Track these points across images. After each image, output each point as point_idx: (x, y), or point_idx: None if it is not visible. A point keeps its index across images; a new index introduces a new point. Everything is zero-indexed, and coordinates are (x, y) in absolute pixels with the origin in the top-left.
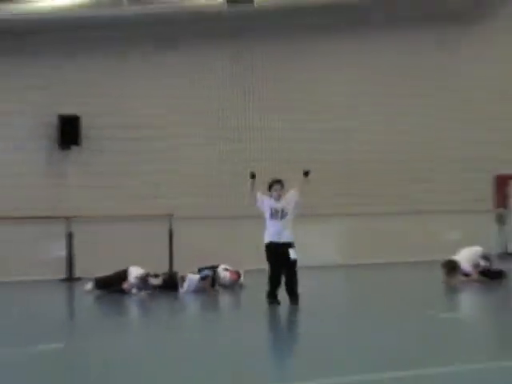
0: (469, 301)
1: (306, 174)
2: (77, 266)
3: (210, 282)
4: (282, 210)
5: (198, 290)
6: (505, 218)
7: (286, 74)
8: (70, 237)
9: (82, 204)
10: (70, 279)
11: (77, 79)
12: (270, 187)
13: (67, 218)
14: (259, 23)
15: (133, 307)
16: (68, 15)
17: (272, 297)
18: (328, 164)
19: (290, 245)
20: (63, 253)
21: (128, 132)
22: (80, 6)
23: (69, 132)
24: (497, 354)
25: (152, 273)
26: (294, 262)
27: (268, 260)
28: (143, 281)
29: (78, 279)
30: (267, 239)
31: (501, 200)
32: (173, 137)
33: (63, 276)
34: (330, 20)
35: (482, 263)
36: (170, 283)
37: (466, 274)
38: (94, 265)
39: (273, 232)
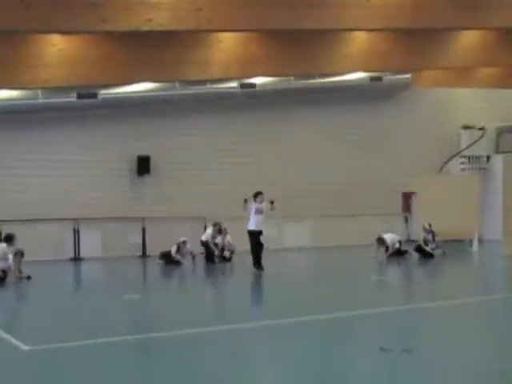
0: (390, 269)
1: (272, 202)
2: (147, 248)
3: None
4: (262, 210)
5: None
6: (408, 219)
7: (277, 131)
8: (143, 230)
9: (152, 209)
10: (144, 256)
11: (148, 134)
12: (256, 196)
13: (142, 218)
14: (260, 99)
15: (180, 271)
16: (144, 95)
17: (258, 265)
18: (302, 185)
19: (261, 232)
20: (139, 240)
21: (180, 165)
22: (151, 90)
23: (143, 165)
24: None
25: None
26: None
27: (253, 240)
28: (182, 246)
29: (149, 256)
30: (252, 227)
31: (406, 207)
32: (206, 169)
33: (139, 254)
34: (304, 99)
35: (397, 245)
36: (207, 252)
37: (387, 248)
38: (158, 248)
39: (256, 222)
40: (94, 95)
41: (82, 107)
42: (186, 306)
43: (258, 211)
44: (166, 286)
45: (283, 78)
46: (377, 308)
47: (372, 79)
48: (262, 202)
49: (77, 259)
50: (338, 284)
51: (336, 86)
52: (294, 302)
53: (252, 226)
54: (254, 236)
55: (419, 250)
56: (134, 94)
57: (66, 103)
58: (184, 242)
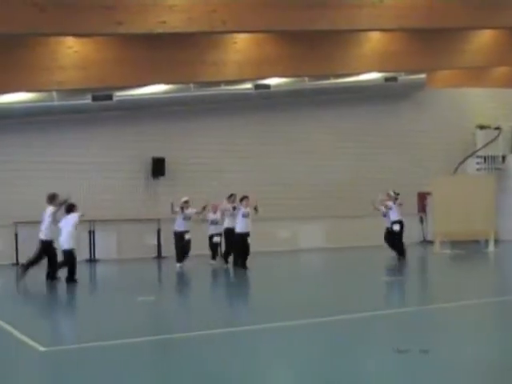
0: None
1: (255, 208)
2: (163, 250)
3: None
4: (248, 214)
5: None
6: (423, 219)
7: (291, 132)
8: (158, 232)
9: (167, 210)
10: (159, 257)
11: (163, 135)
12: (242, 200)
13: (158, 220)
14: (274, 100)
15: (196, 270)
16: (159, 96)
17: (242, 264)
18: (317, 186)
19: (248, 234)
20: (154, 241)
21: (195, 167)
22: (166, 92)
23: (158, 167)
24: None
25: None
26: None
27: (241, 241)
28: (185, 206)
29: (164, 257)
30: (241, 230)
31: (421, 208)
32: (221, 171)
33: (155, 255)
34: (318, 99)
35: (396, 227)
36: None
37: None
38: (174, 249)
39: (244, 225)
40: (109, 97)
41: (97, 109)
42: (201, 308)
43: (245, 215)
44: (182, 288)
45: (297, 79)
46: (392, 309)
47: (387, 79)
48: (247, 206)
49: (92, 261)
50: (352, 284)
51: (350, 87)
52: (308, 303)
53: (240, 229)
54: (242, 238)
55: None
56: (148, 96)
57: (80, 105)
58: (186, 202)
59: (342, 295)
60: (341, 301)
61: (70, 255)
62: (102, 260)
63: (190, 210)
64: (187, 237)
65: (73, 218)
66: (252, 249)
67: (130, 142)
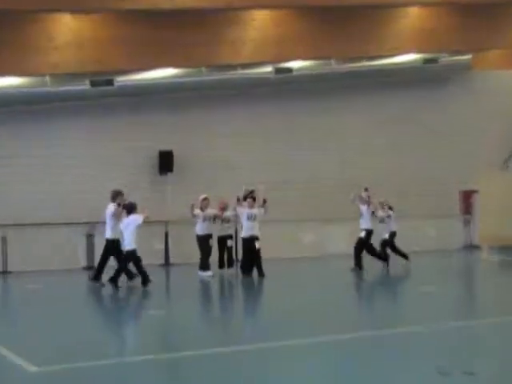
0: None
1: (264, 202)
2: (171, 255)
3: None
4: (255, 216)
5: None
6: (468, 222)
7: (317, 123)
8: (166, 235)
9: (176, 211)
10: (167, 264)
11: (171, 126)
12: (246, 198)
13: (165, 222)
14: (296, 85)
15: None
16: (166, 81)
17: (259, 272)
18: (344, 184)
19: (257, 238)
20: (162, 246)
21: (207, 162)
22: (175, 76)
23: (165, 162)
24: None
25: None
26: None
27: (247, 247)
28: (203, 205)
29: (172, 264)
30: (247, 233)
31: (465, 208)
32: (237, 167)
33: (162, 262)
34: (348, 85)
35: (385, 235)
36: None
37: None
38: (182, 255)
39: (249, 229)
40: (110, 82)
41: (96, 96)
42: (228, 322)
43: (251, 218)
44: (195, 300)
45: (324, 62)
46: (431, 324)
47: (426, 61)
48: (252, 206)
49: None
50: (387, 296)
51: (384, 70)
52: (339, 317)
53: (245, 233)
54: (247, 243)
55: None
56: (155, 81)
57: (77, 92)
58: (205, 200)
59: (376, 308)
60: (375, 315)
61: (132, 255)
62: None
63: (209, 210)
64: (210, 243)
65: (134, 221)
66: (271, 255)
67: (133, 134)
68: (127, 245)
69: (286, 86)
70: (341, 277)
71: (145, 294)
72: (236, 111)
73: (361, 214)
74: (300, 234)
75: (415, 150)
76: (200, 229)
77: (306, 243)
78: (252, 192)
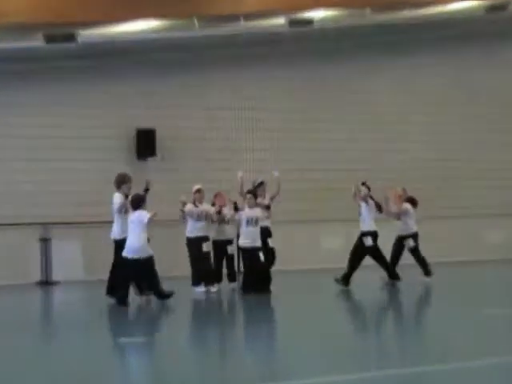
0: None
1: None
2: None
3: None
4: (256, 220)
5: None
6: None
7: (345, 92)
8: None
9: (159, 208)
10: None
11: (153, 96)
12: (251, 192)
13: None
14: (317, 43)
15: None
16: (146, 37)
17: (245, 290)
18: (380, 174)
19: (259, 248)
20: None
21: (200, 144)
22: (156, 31)
23: (146, 144)
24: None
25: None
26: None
27: (245, 259)
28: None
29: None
30: (245, 243)
31: None
32: (238, 150)
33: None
34: (386, 42)
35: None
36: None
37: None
38: (170, 266)
39: (249, 237)
40: (71, 38)
41: (53, 56)
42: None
43: (251, 223)
44: (185, 323)
45: (354, 11)
46: (503, 357)
47: (490, 9)
48: (253, 205)
49: (46, 283)
50: (444, 321)
51: (434, 21)
52: (401, 348)
53: (243, 242)
54: (248, 254)
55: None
56: (130, 37)
57: (28, 50)
58: (199, 192)
59: (432, 337)
60: (433, 346)
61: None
62: (63, 283)
63: (205, 206)
64: (205, 248)
65: (140, 218)
66: (290, 266)
67: (101, 107)
68: (140, 251)
69: (303, 44)
70: (380, 294)
71: (123, 319)
72: (238, 77)
73: (359, 214)
74: (323, 237)
75: (472, 128)
76: (192, 229)
77: (327, 248)
78: (261, 185)
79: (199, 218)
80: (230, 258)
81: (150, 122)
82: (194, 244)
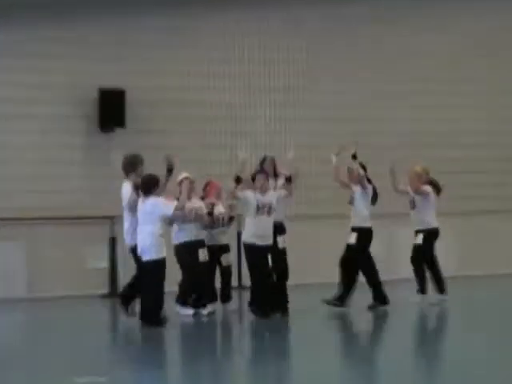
0: None
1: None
2: (120, 278)
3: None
4: (270, 207)
5: None
6: None
7: (381, 43)
8: (112, 242)
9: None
10: (112, 295)
11: (120, 45)
12: (255, 177)
13: (110, 219)
14: None
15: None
16: None
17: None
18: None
19: (267, 248)
20: (103, 263)
21: (185, 110)
22: None
23: (112, 110)
24: None
25: None
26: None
27: (252, 261)
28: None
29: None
30: (250, 239)
31: None
32: (239, 117)
33: (104, 292)
34: None
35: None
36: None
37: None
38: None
39: (258, 229)
40: None
41: None
42: None
43: (263, 209)
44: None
45: None
46: None
47: None
48: (265, 188)
49: None
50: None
51: None
52: None
53: (249, 237)
54: (254, 254)
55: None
56: None
57: None
58: (186, 181)
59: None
60: None
61: (154, 271)
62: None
63: (194, 203)
64: (202, 257)
65: (156, 209)
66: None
67: (50, 58)
68: (143, 252)
69: None
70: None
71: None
72: (239, 19)
73: (350, 201)
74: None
75: None
76: (181, 235)
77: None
78: (264, 161)
79: (186, 219)
80: (226, 271)
81: (117, 80)
82: (186, 252)
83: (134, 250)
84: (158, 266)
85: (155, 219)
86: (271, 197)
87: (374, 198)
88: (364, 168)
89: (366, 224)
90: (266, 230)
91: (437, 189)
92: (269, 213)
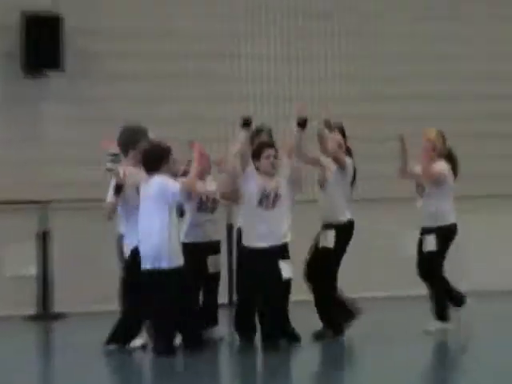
0: None
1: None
2: (54, 294)
3: None
4: (276, 193)
5: None
6: None
7: None
8: (43, 238)
9: (67, 172)
10: (46, 316)
11: None
12: (259, 152)
13: (41, 206)
14: None
15: None
16: None
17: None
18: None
19: (268, 251)
20: (33, 269)
21: (141, 45)
22: None
23: (42, 44)
24: None
25: None
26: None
27: (248, 271)
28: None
29: (60, 315)
30: (250, 241)
31: None
32: (212, 55)
33: (32, 311)
34: None
35: (430, 247)
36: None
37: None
38: (90, 291)
39: (264, 228)
40: None
41: None
42: None
43: (268, 200)
44: None
45: None
46: None
47: None
48: (271, 168)
49: None
50: None
51: None
52: None
53: (249, 239)
54: (252, 261)
55: None
56: None
57: None
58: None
59: None
60: None
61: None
62: None
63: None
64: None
65: (162, 190)
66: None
67: None
68: (144, 254)
69: None
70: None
71: None
72: None
73: (320, 183)
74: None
75: None
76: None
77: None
78: (259, 133)
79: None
80: (212, 280)
81: (49, 1)
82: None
83: (134, 253)
84: (178, 274)
85: (166, 206)
86: (280, 182)
87: (353, 180)
88: (343, 134)
89: (346, 216)
90: (273, 227)
91: (453, 163)
92: (275, 202)
